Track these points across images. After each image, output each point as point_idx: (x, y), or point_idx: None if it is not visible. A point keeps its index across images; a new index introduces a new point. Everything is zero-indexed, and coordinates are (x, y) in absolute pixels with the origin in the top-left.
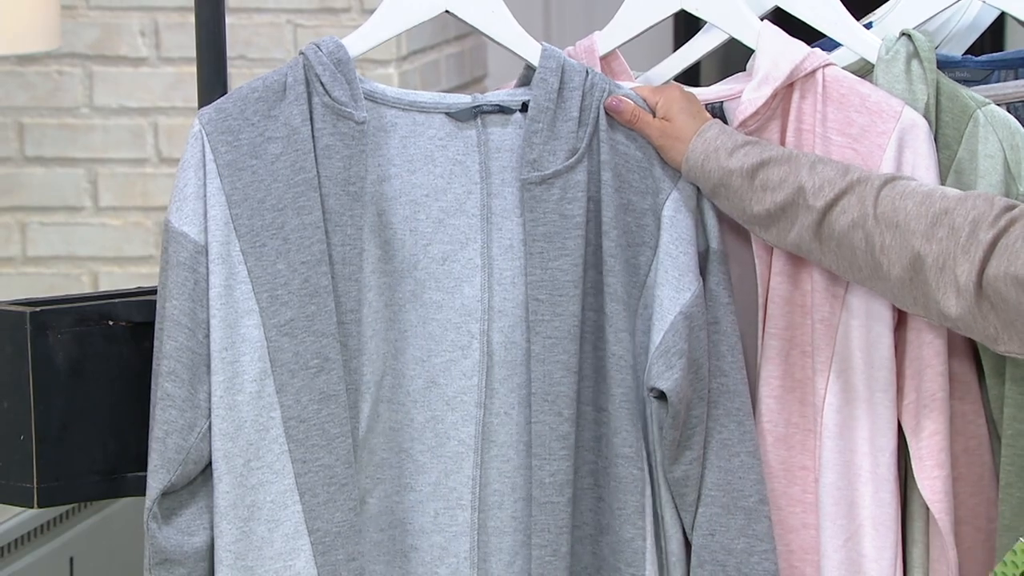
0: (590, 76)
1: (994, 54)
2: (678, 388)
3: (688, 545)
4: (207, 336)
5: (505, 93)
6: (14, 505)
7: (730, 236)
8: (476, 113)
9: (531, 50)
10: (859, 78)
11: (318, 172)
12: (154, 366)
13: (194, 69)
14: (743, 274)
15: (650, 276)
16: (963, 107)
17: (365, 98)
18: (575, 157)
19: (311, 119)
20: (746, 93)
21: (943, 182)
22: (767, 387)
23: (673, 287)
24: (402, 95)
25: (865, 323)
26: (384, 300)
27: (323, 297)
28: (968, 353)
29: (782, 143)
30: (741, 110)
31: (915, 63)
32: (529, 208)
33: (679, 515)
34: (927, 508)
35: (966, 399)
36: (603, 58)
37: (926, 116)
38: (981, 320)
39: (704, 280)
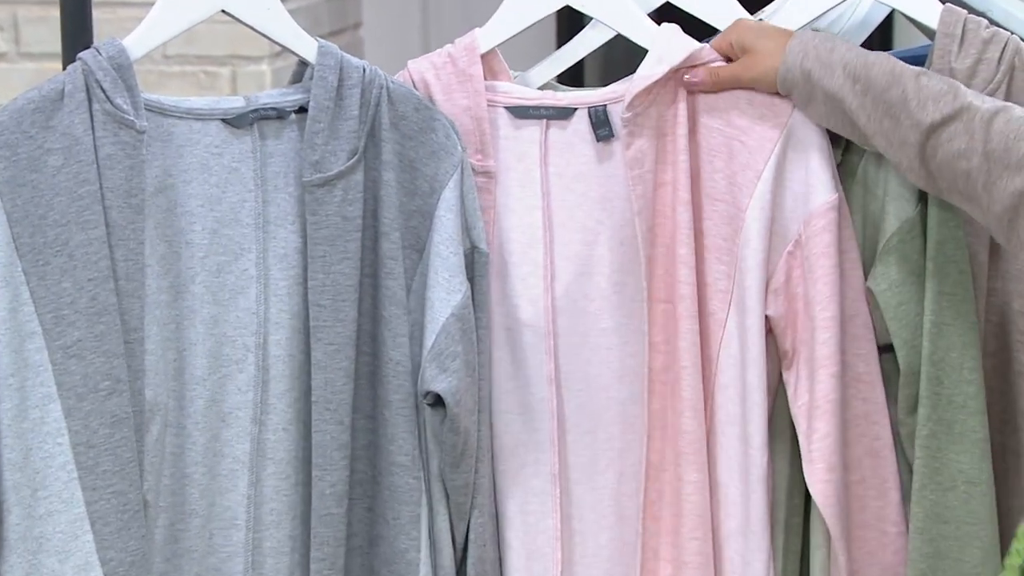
0: (367, 72)
1: (882, 52)
2: (455, 391)
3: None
4: None
5: (279, 93)
6: None
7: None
8: (253, 119)
9: (307, 47)
10: None
11: (101, 183)
12: None
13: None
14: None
15: (417, 279)
16: None
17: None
18: (355, 157)
19: (92, 127)
20: (640, 71)
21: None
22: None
23: (444, 288)
24: (178, 103)
25: (738, 320)
26: (165, 318)
27: (111, 315)
28: (873, 353)
29: (675, 123)
30: (633, 87)
31: None
32: (311, 211)
33: (451, 526)
34: None
35: (870, 400)
36: (483, 56)
37: None
38: None
39: (472, 283)
